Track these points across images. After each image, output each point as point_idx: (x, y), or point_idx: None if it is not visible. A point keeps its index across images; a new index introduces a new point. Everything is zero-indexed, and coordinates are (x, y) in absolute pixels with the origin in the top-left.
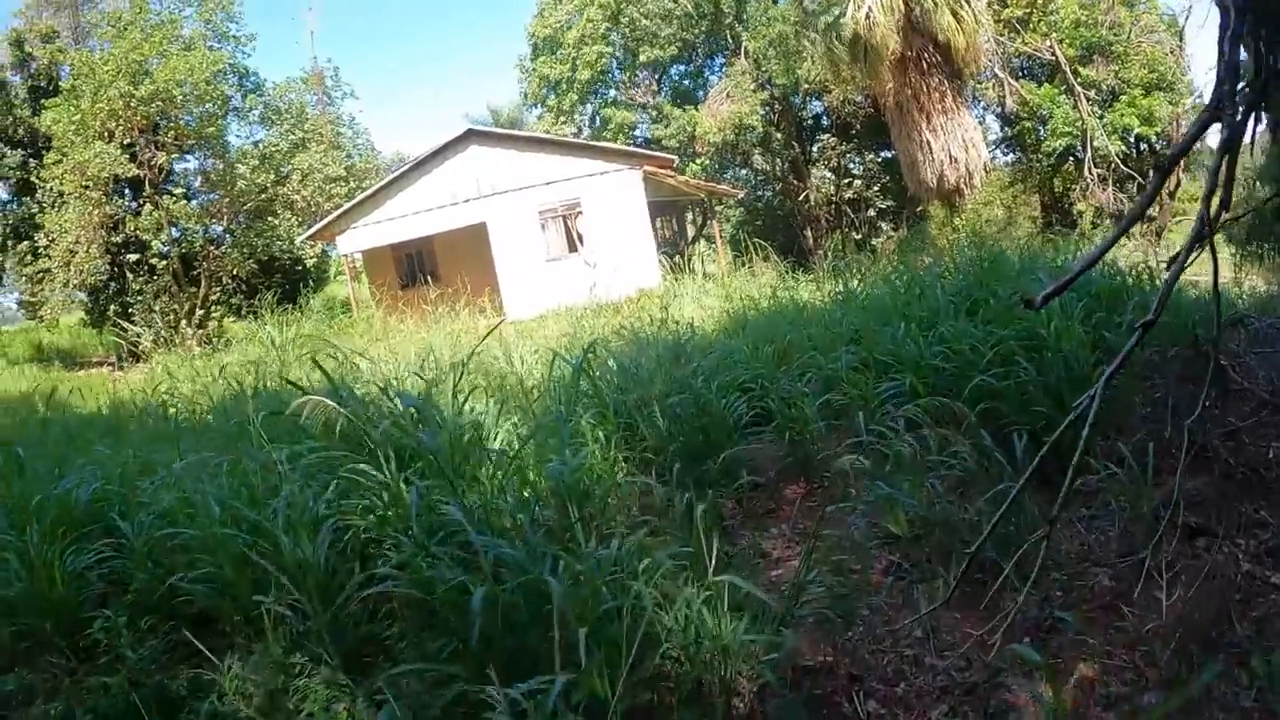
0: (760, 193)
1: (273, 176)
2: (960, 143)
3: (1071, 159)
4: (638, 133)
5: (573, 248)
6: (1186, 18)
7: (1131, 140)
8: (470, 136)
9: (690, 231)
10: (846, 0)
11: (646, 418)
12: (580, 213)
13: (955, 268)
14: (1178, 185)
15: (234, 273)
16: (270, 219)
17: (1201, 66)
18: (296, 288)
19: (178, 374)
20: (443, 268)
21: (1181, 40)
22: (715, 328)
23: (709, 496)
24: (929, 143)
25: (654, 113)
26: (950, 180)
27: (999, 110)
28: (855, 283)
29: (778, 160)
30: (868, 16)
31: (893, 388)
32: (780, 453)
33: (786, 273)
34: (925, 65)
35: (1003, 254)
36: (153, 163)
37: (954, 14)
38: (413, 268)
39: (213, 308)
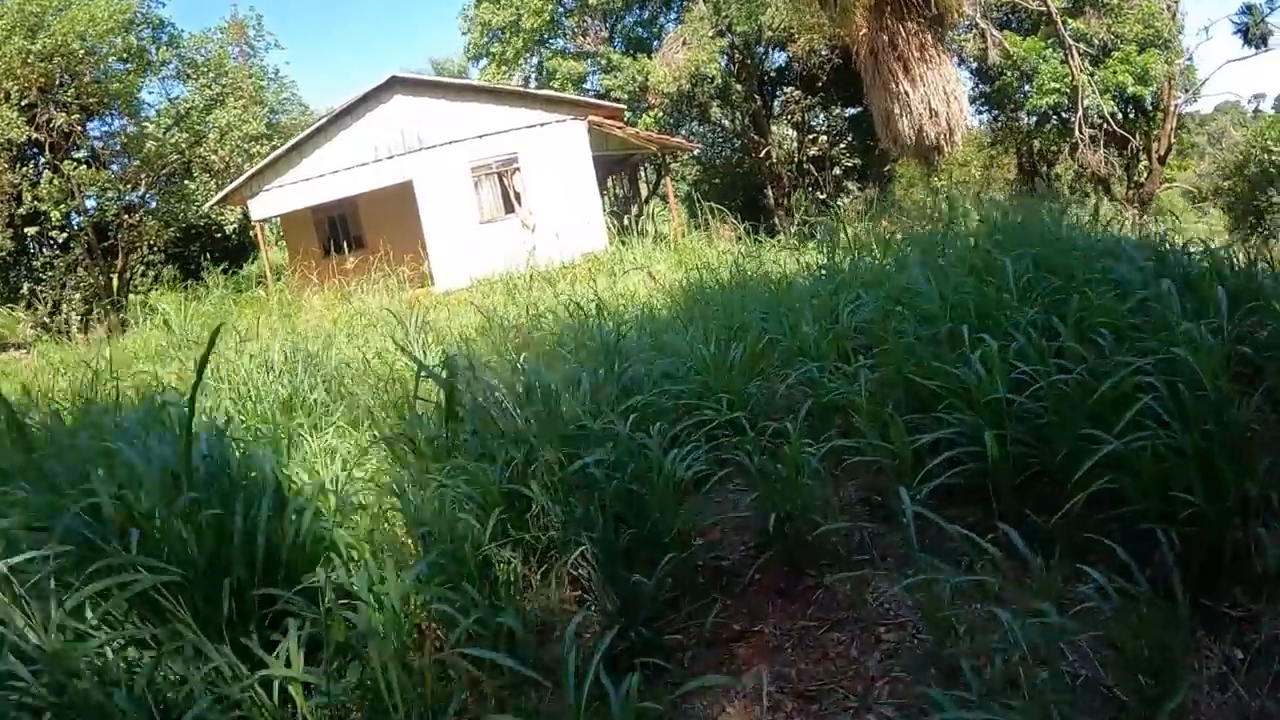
0: (718, 149)
1: (188, 136)
2: (942, 95)
3: (1056, 119)
4: (587, 85)
5: (509, 208)
6: None
7: (1125, 100)
8: (394, 85)
9: (644, 191)
10: None
11: (548, 485)
12: (517, 169)
13: (970, 236)
14: (1168, 150)
15: (153, 243)
16: (188, 183)
17: (1193, 27)
18: (229, 258)
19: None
20: (368, 232)
21: None
22: (666, 306)
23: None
24: (907, 94)
25: (604, 62)
26: (930, 136)
27: (975, 66)
28: (848, 251)
29: (737, 114)
30: None
31: (932, 435)
32: (757, 525)
33: (747, 235)
34: (904, 8)
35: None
36: (52, 125)
37: None
38: (335, 232)
39: (137, 281)
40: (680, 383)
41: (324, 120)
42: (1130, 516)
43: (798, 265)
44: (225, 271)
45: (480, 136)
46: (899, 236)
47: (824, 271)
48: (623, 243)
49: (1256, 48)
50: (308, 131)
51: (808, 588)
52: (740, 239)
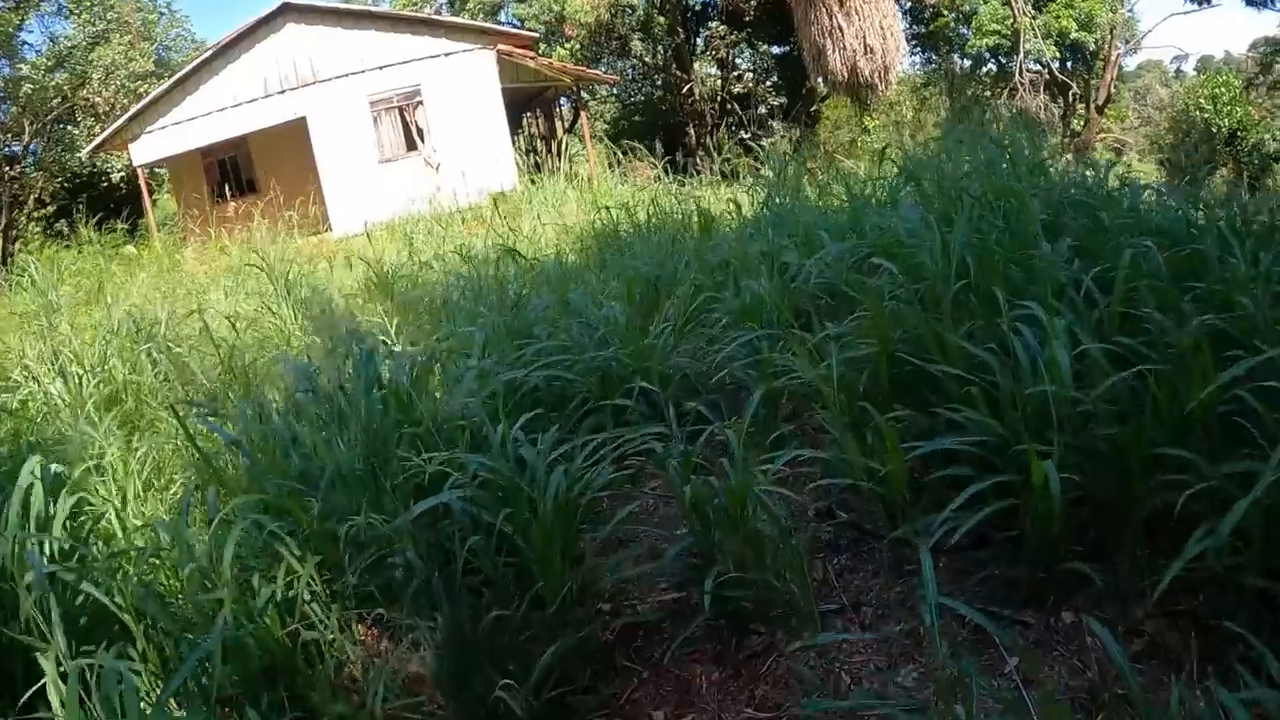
0: (639, 85)
1: (69, 78)
2: (878, 30)
3: (993, 62)
4: (501, 18)
5: (412, 145)
6: None
7: (1066, 46)
8: (286, 11)
9: (559, 129)
10: None
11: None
12: (420, 103)
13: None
14: (1107, 100)
15: (39, 197)
16: (71, 129)
17: None
18: (120, 207)
19: None
20: (262, 175)
21: None
22: (577, 252)
23: None
24: (840, 29)
25: None
26: (864, 73)
27: (909, 6)
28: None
29: (659, 49)
30: None
31: (933, 445)
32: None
33: (666, 174)
34: None
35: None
36: None
37: None
38: (226, 176)
39: (27, 238)
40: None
41: (209, 53)
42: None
43: (730, 206)
44: (102, 223)
45: (380, 68)
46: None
47: (768, 212)
48: (533, 181)
49: (1200, 3)
50: (191, 66)
51: (754, 655)
52: (659, 179)
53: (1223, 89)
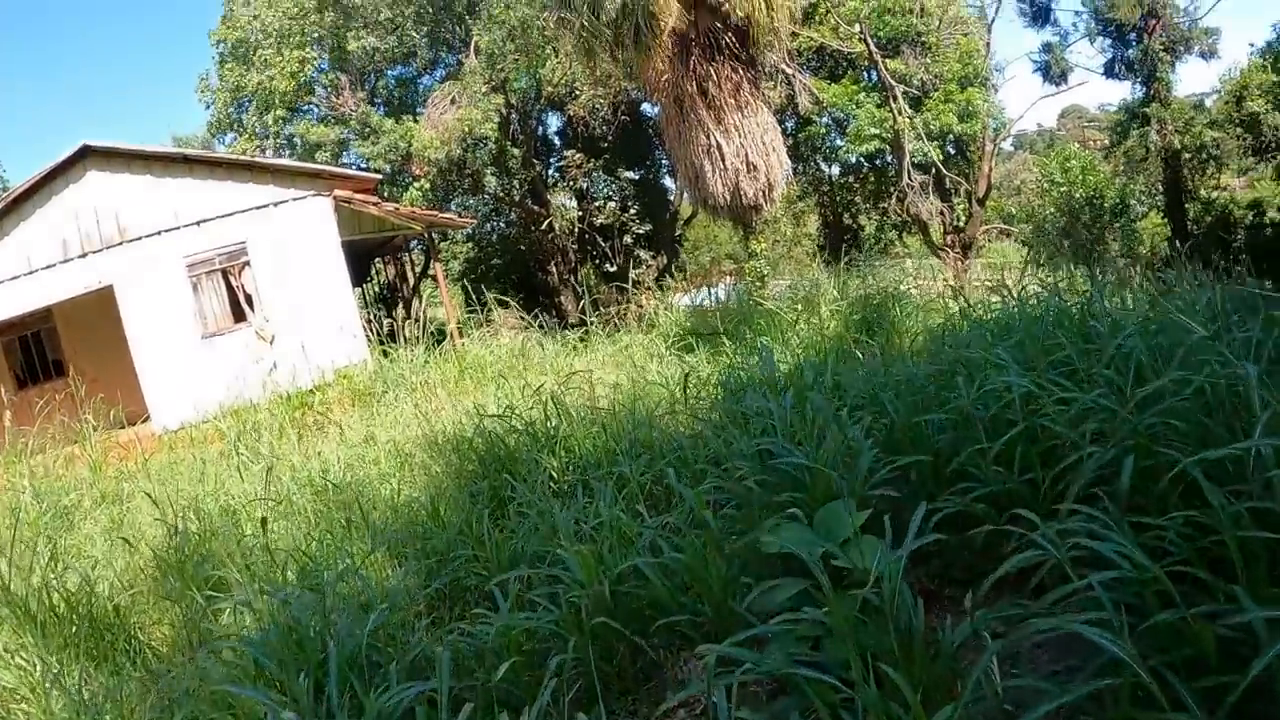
0: (494, 223)
1: None
2: (760, 147)
3: (871, 166)
4: (346, 158)
5: (240, 315)
6: (996, 11)
7: (946, 140)
8: (87, 156)
9: (411, 278)
10: None
11: None
12: (247, 263)
13: None
14: (987, 191)
15: None
16: None
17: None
18: None
19: None
20: (70, 354)
21: (990, 32)
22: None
23: None
24: (720, 147)
25: (361, 126)
26: (748, 194)
27: (779, 115)
28: None
29: (515, 182)
30: None
31: None
32: None
33: (533, 326)
34: (715, 49)
35: None
36: None
37: None
38: (30, 357)
39: None
40: None
41: None
42: None
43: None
44: None
45: (198, 223)
46: None
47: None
48: (385, 354)
49: (1058, 84)
50: None
51: None
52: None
53: (1074, 160)
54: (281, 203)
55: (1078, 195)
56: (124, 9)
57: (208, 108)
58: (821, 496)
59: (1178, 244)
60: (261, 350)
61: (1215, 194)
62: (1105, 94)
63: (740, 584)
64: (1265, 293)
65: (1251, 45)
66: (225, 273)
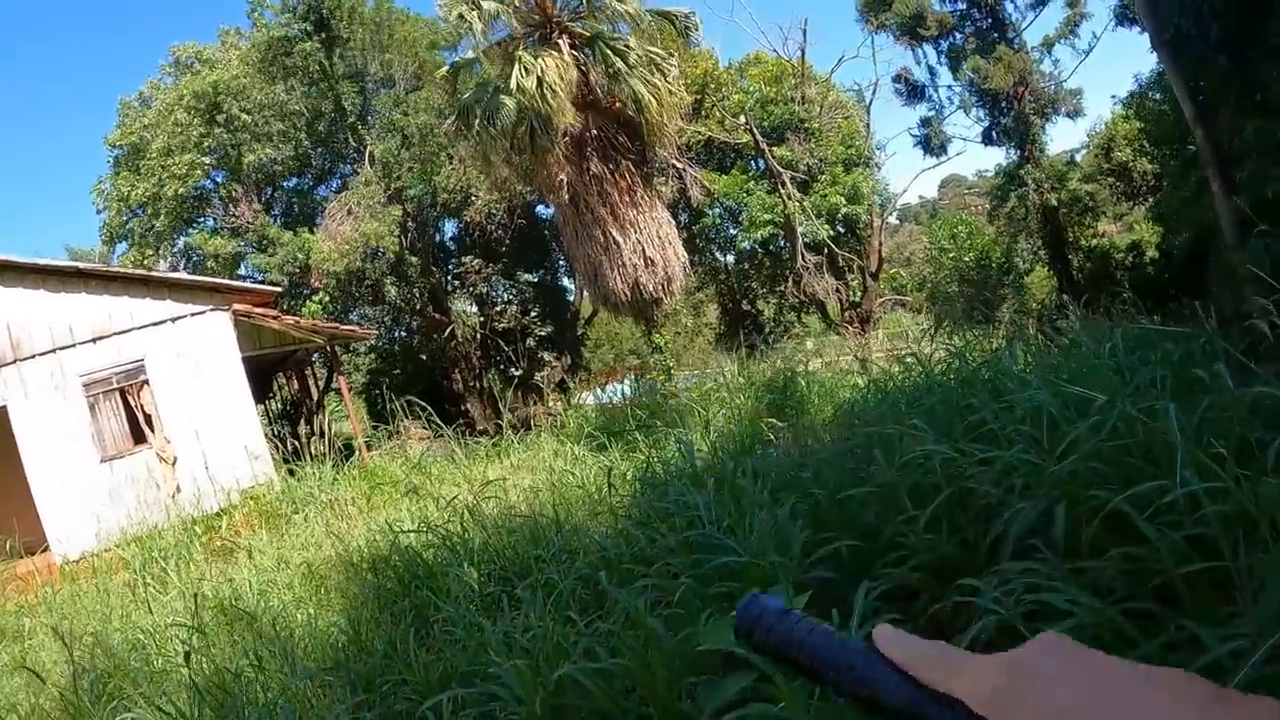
0: (396, 332)
1: None
2: (656, 241)
3: (765, 251)
4: (242, 271)
5: (140, 436)
6: (874, 93)
7: (836, 221)
8: None
9: (315, 392)
10: (509, 73)
11: None
12: (146, 381)
13: None
14: (880, 266)
15: None
16: None
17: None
18: None
19: None
20: None
21: (869, 114)
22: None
23: None
24: (617, 244)
25: (257, 238)
26: (647, 288)
27: (671, 209)
28: None
29: (415, 290)
30: (539, 86)
31: None
32: None
33: (442, 434)
34: (609, 147)
35: None
36: None
37: (645, 82)
38: None
39: None
40: None
41: None
42: None
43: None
44: None
45: (95, 340)
46: None
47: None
48: (291, 471)
49: (938, 155)
50: None
51: None
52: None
53: (960, 226)
54: (180, 318)
55: (967, 259)
56: (16, 124)
57: (99, 213)
58: (756, 585)
59: (1065, 295)
60: (164, 473)
61: (1095, 241)
62: (981, 161)
63: (685, 683)
64: (1155, 327)
65: (1114, 97)
66: (124, 392)
